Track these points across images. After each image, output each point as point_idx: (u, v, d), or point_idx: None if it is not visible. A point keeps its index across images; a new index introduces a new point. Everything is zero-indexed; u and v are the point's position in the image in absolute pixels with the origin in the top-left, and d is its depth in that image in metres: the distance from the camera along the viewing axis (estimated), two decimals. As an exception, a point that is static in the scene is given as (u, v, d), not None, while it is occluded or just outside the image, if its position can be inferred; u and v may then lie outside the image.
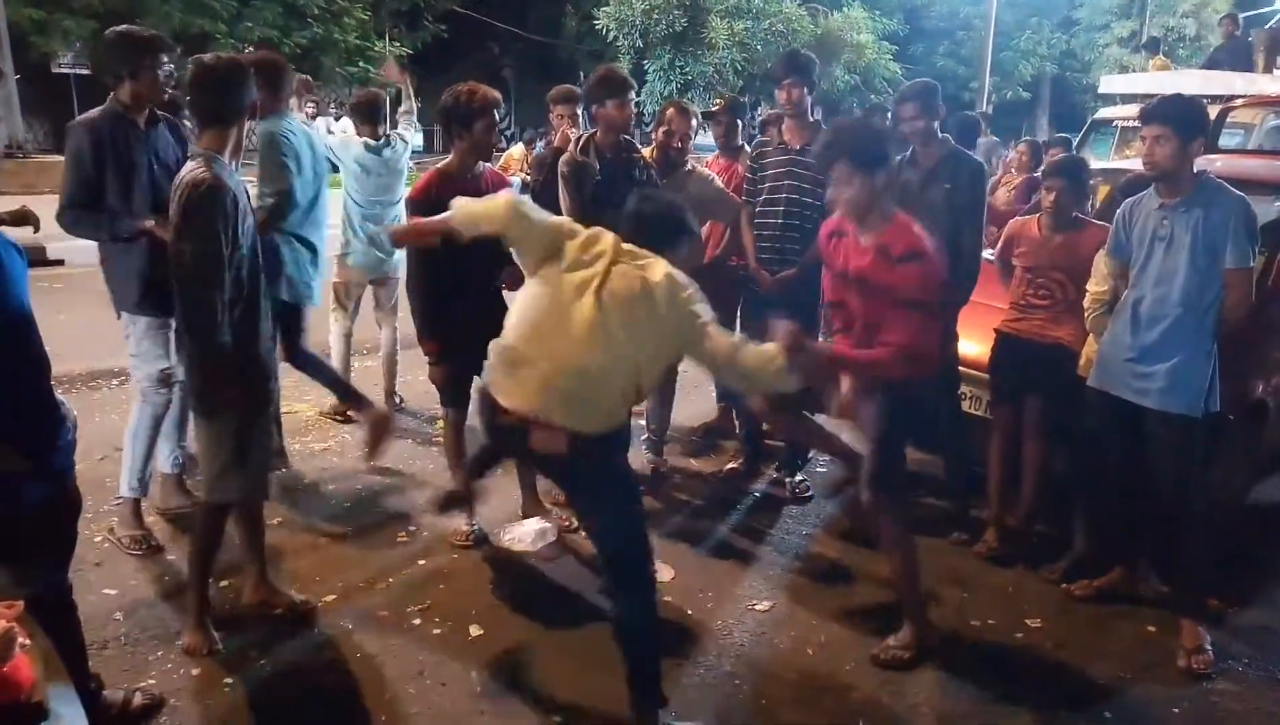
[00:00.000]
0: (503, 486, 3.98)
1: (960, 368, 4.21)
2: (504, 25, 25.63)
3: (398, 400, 5.50)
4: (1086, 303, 3.57)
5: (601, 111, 4.01)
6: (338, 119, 6.81)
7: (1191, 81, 8.21)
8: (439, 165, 3.70)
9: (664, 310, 2.51)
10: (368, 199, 5.12)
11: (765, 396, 3.17)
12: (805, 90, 4.24)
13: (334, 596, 3.42)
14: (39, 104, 17.14)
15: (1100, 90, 10.89)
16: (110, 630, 3.13)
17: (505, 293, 3.69)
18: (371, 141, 5.09)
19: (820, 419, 3.30)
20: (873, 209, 2.99)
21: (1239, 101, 7.19)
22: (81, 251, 4.17)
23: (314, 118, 6.11)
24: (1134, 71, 15.94)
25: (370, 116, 5.18)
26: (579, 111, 4.67)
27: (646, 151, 4.42)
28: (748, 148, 5.15)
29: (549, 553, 3.81)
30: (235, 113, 2.86)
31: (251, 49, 8.60)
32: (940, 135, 4.14)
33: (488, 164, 3.77)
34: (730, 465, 4.76)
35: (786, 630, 3.38)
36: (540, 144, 7.39)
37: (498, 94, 3.62)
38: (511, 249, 2.70)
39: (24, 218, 3.52)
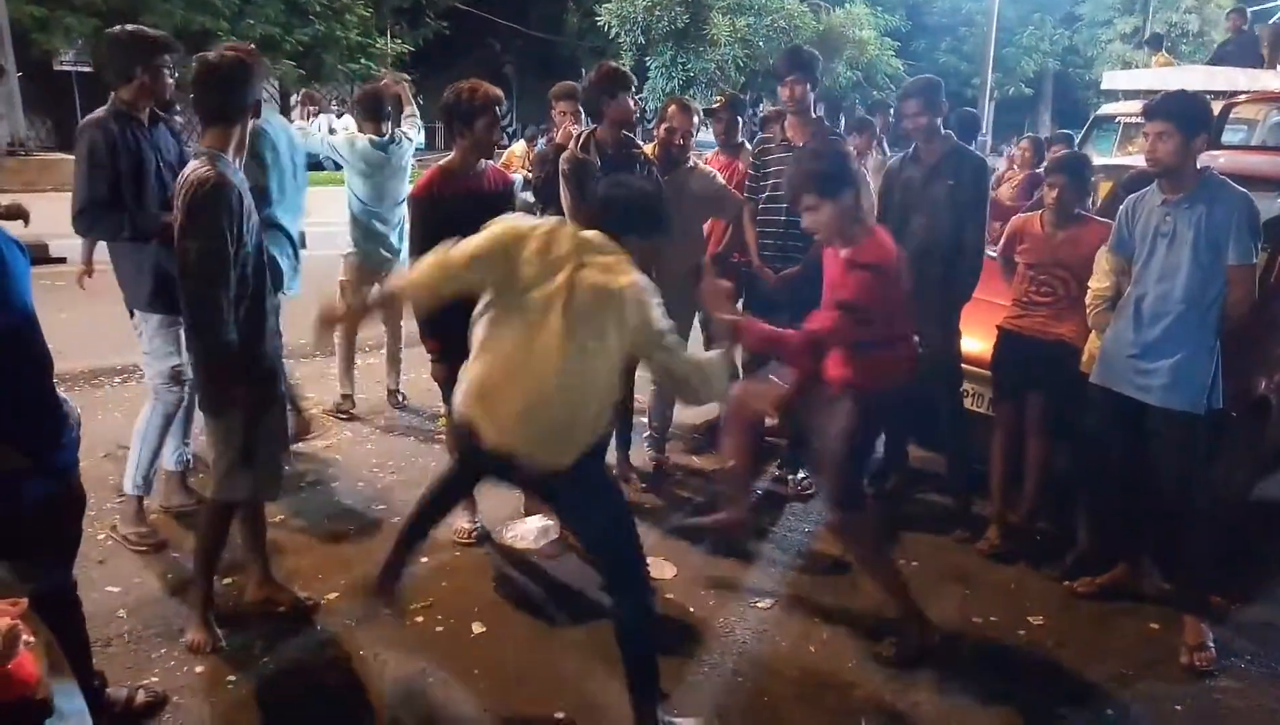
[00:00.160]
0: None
1: (963, 365, 4.21)
2: (505, 22, 25.62)
3: (400, 398, 5.50)
4: (1089, 299, 3.57)
5: (613, 106, 4.01)
6: (339, 116, 6.81)
7: (1195, 77, 8.18)
8: (441, 162, 3.69)
9: (632, 320, 2.47)
10: (372, 196, 5.12)
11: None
12: (808, 87, 4.24)
13: (336, 594, 3.42)
14: (41, 101, 17.15)
15: (1103, 86, 10.84)
16: (114, 628, 3.14)
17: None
18: (376, 137, 5.09)
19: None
20: (846, 227, 3.07)
21: (1242, 97, 7.17)
22: (82, 251, 4.16)
23: (316, 115, 6.11)
24: (1137, 67, 15.90)
25: (374, 113, 5.16)
26: (580, 108, 4.67)
27: (648, 148, 4.42)
28: (748, 145, 5.14)
29: (551, 550, 3.81)
30: (239, 110, 2.86)
31: (253, 47, 8.62)
32: (943, 131, 4.14)
33: (490, 161, 3.77)
34: (732, 462, 4.76)
35: (788, 627, 3.38)
36: (542, 141, 7.40)
37: (499, 91, 3.62)
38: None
39: (15, 212, 3.53)
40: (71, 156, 3.79)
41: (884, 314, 3.04)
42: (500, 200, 3.60)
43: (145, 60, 3.45)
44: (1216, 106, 4.67)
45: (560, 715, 2.83)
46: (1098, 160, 5.91)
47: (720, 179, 4.56)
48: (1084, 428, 3.56)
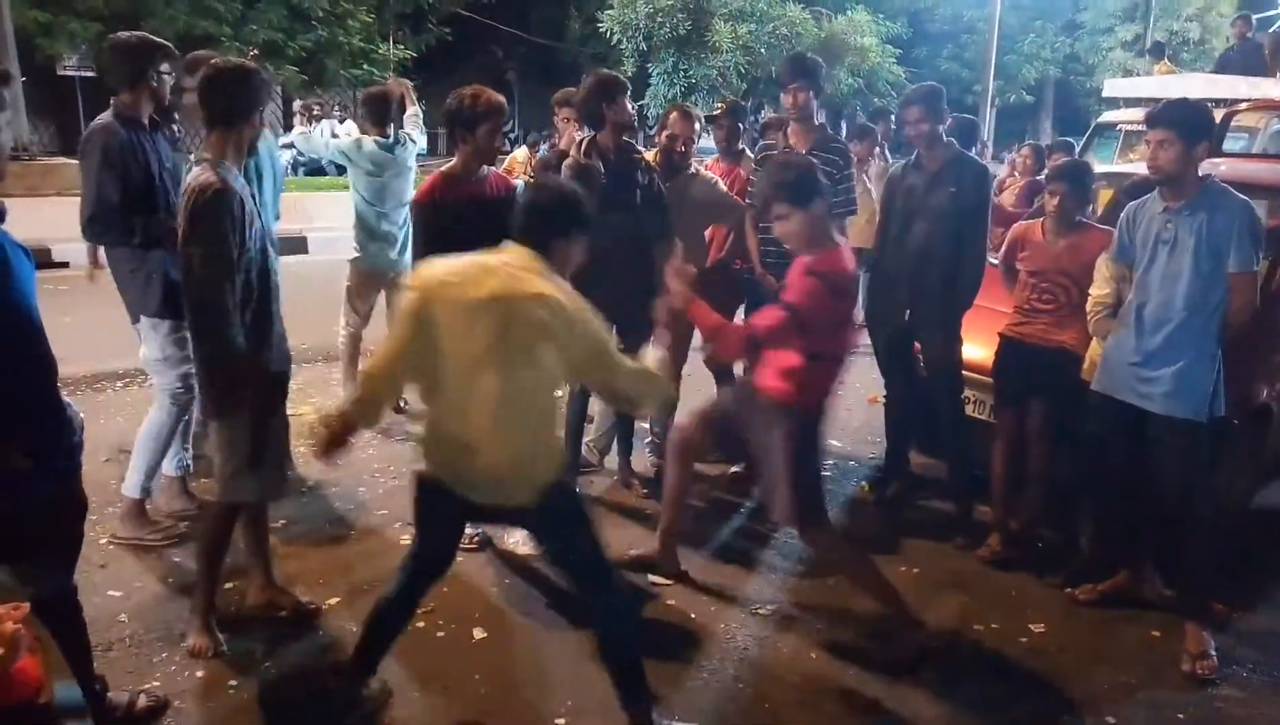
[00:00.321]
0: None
1: (964, 371, 4.22)
2: (507, 28, 25.65)
3: (402, 403, 5.49)
4: (1089, 306, 3.58)
5: (613, 110, 4.02)
6: (341, 122, 6.83)
7: (1196, 85, 8.19)
8: (443, 168, 3.70)
9: (567, 345, 2.46)
10: (378, 197, 5.14)
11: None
12: (811, 94, 4.26)
13: (338, 599, 3.42)
14: (44, 106, 17.19)
15: (1104, 94, 10.82)
16: (115, 632, 3.14)
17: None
18: (382, 139, 5.12)
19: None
20: (815, 237, 3.10)
21: (1243, 105, 7.18)
22: (86, 254, 4.17)
23: (318, 120, 6.13)
24: (1138, 75, 15.91)
25: (380, 114, 5.19)
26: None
27: (650, 155, 4.43)
28: (749, 152, 5.15)
29: (552, 556, 3.81)
30: (241, 115, 2.88)
31: (256, 52, 8.64)
32: (945, 139, 4.15)
33: (492, 167, 3.78)
34: (734, 469, 4.77)
35: (789, 634, 3.38)
36: (544, 147, 7.41)
37: (502, 98, 3.63)
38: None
39: None
40: (74, 161, 3.80)
41: (826, 327, 3.07)
42: (502, 206, 3.59)
43: (149, 66, 3.49)
44: (1218, 115, 4.69)
45: (561, 720, 2.83)
46: (1099, 168, 5.92)
47: (722, 186, 4.57)
48: (1085, 435, 3.56)
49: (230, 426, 2.92)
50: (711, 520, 4.26)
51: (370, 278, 5.21)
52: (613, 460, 4.70)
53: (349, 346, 5.29)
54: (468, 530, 3.84)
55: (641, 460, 4.70)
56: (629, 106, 4.09)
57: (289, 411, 3.28)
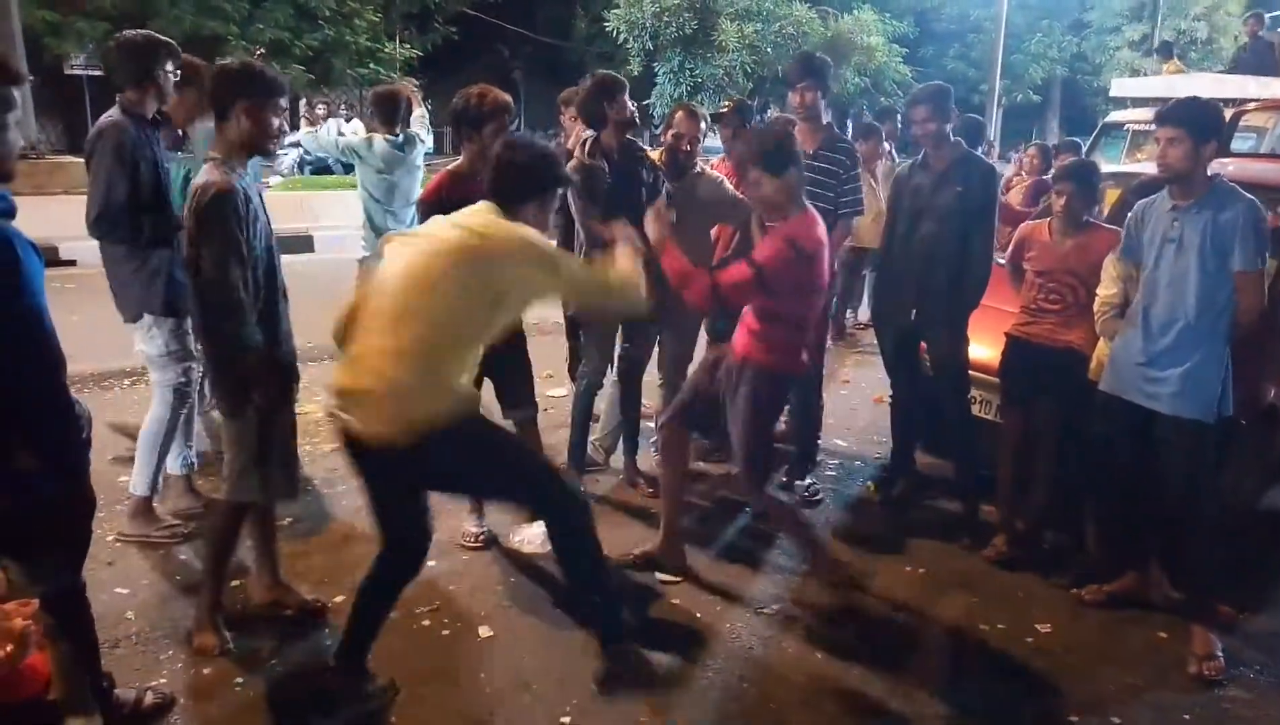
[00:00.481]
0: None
1: (970, 371, 4.21)
2: (514, 27, 25.66)
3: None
4: (1097, 306, 3.57)
5: (614, 108, 4.02)
6: (348, 120, 6.86)
7: (1204, 85, 8.18)
8: (450, 167, 3.71)
9: (499, 267, 2.49)
10: (388, 194, 5.17)
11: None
12: (819, 94, 4.25)
13: (344, 597, 3.42)
14: (51, 105, 17.23)
15: (1111, 94, 10.81)
16: (122, 629, 3.15)
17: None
18: (392, 137, 5.15)
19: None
20: (786, 204, 3.27)
21: (1251, 105, 7.16)
22: (93, 251, 4.18)
23: (325, 119, 6.15)
24: (1145, 75, 15.87)
25: (391, 114, 5.22)
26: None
27: (655, 154, 4.43)
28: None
29: (558, 554, 3.81)
30: (228, 109, 2.87)
31: (263, 51, 8.66)
32: (952, 138, 4.14)
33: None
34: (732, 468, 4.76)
35: (794, 634, 3.38)
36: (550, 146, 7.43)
37: (508, 97, 3.63)
38: None
39: None
40: (81, 160, 3.81)
41: (789, 289, 3.22)
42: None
43: (158, 65, 3.51)
44: (1226, 114, 4.67)
45: (566, 719, 2.83)
46: (1106, 168, 5.91)
47: (728, 184, 4.56)
48: (1092, 435, 3.55)
49: (239, 425, 2.93)
50: (716, 520, 4.26)
51: None
52: (618, 459, 4.70)
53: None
54: (472, 529, 3.86)
55: (647, 459, 4.69)
56: (630, 105, 4.10)
57: (296, 410, 3.28)
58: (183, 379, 3.70)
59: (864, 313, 7.87)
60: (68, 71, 16.31)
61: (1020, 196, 7.07)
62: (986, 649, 3.37)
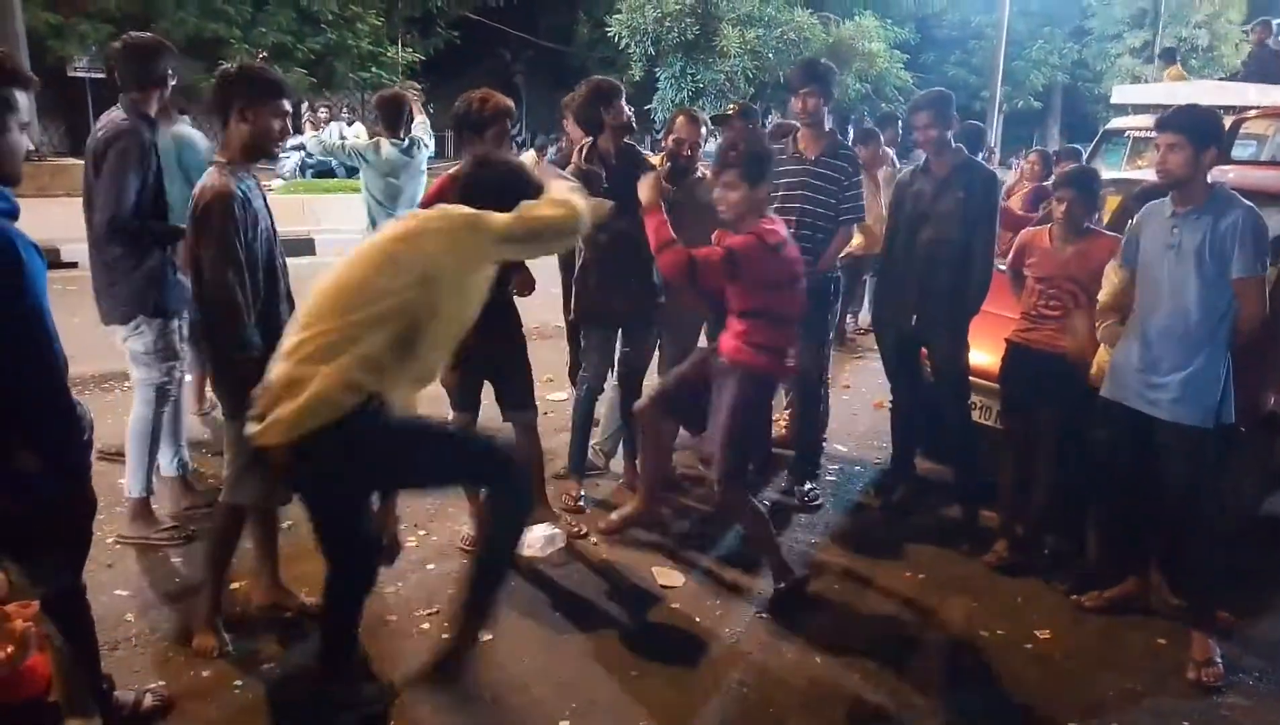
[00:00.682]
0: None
1: (971, 377, 4.22)
2: (516, 32, 25.68)
3: (409, 404, 5.51)
4: (1097, 313, 3.57)
5: (611, 112, 4.03)
6: (350, 124, 6.88)
7: (1205, 92, 8.19)
8: (451, 171, 3.71)
9: (443, 238, 2.51)
10: (392, 198, 5.20)
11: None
12: (822, 100, 4.26)
13: (343, 599, 3.42)
14: (54, 107, 17.25)
15: (1112, 100, 10.82)
16: (121, 631, 3.15)
17: (516, 298, 3.71)
18: (398, 141, 5.18)
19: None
20: (748, 216, 3.39)
21: (1252, 112, 7.17)
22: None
23: (327, 122, 6.18)
24: (1146, 81, 15.89)
25: (395, 118, 5.25)
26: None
27: (656, 159, 4.44)
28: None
29: (558, 558, 3.82)
30: (227, 111, 2.89)
31: (265, 54, 8.66)
32: (954, 145, 4.15)
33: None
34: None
35: (794, 638, 3.38)
36: (552, 150, 7.42)
37: (510, 102, 3.64)
38: None
39: None
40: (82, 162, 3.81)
41: (760, 280, 3.36)
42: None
43: (163, 68, 3.54)
44: (1226, 122, 4.68)
45: (565, 723, 2.83)
46: (1106, 174, 5.92)
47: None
48: (1092, 441, 3.56)
49: (239, 427, 2.93)
50: (717, 524, 4.26)
51: None
52: (618, 463, 4.71)
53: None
54: (470, 532, 3.85)
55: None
56: (626, 109, 4.10)
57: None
58: (165, 378, 3.71)
59: (865, 318, 7.88)
60: (70, 74, 16.34)
61: (1020, 202, 7.07)
62: (986, 654, 3.36)
